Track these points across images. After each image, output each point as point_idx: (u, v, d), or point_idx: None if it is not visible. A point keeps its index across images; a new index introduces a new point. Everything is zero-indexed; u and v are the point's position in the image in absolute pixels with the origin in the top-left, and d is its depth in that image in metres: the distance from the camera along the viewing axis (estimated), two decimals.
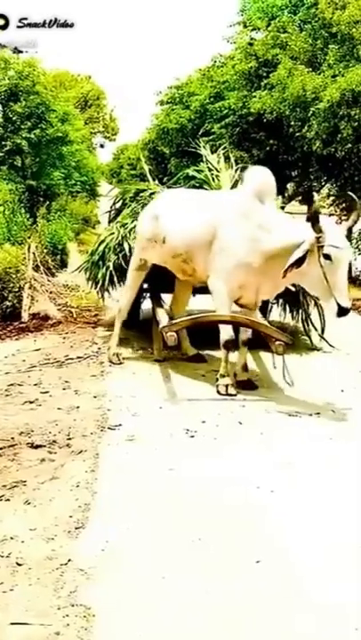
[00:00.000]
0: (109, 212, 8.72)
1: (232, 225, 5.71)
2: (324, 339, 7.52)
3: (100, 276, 7.36)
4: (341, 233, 5.35)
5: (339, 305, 5.11)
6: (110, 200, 8.92)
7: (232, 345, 5.91)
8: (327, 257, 5.10)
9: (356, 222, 5.70)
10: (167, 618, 2.80)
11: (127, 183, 12.89)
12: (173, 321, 5.99)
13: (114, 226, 7.69)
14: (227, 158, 8.15)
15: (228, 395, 5.74)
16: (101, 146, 46.99)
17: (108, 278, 7.30)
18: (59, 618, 2.76)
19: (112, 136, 48.34)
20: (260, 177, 5.78)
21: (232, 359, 6.01)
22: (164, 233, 6.25)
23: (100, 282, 7.37)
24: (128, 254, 7.14)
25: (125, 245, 7.18)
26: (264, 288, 5.83)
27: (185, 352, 6.86)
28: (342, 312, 5.15)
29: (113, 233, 7.47)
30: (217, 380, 5.89)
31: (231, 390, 5.77)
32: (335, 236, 5.17)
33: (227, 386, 5.81)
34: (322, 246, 5.10)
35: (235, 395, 5.75)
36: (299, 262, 5.19)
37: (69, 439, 4.63)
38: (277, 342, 5.71)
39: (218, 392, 5.79)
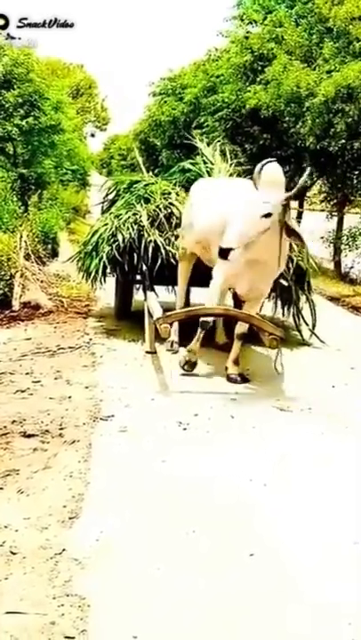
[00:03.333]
0: (102, 202, 8.70)
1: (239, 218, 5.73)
2: (314, 334, 7.57)
3: (92, 266, 7.33)
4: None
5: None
6: (103, 191, 8.90)
7: (207, 326, 6.09)
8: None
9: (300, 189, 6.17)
10: (162, 609, 2.81)
11: (120, 174, 12.87)
12: (168, 313, 6.01)
13: (107, 217, 7.66)
14: (222, 152, 8.16)
15: (183, 369, 6.08)
16: (92, 135, 46.66)
17: (101, 269, 7.27)
18: (54, 607, 2.75)
19: (103, 126, 48.04)
20: (265, 172, 5.76)
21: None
22: (192, 219, 6.62)
23: (93, 272, 7.35)
24: (122, 245, 7.14)
25: (119, 236, 7.16)
26: (259, 280, 5.88)
27: (217, 341, 7.02)
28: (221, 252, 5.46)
29: (107, 224, 7.44)
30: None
31: (188, 368, 6.06)
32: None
33: (188, 361, 6.09)
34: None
35: (190, 371, 6.05)
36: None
37: (62, 429, 4.62)
38: (271, 336, 5.74)
39: (179, 362, 6.14)
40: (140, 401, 5.30)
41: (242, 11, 16.96)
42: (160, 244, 7.16)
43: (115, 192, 8.40)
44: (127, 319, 7.95)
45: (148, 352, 6.67)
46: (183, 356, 6.18)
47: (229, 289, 6.49)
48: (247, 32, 15.93)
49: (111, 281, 8.00)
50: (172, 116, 22.04)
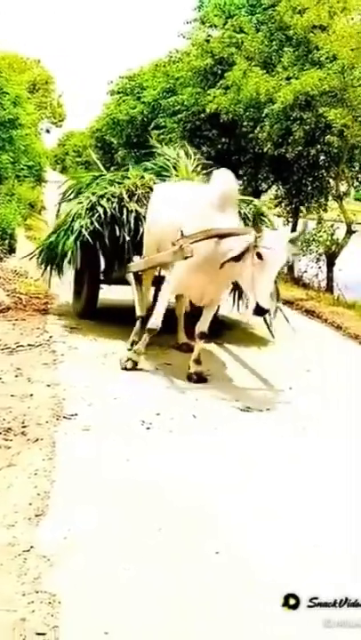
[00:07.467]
0: (62, 200, 8.65)
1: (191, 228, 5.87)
2: (269, 329, 7.67)
3: (68, 245, 7.25)
4: (278, 237, 5.78)
5: (257, 304, 5.43)
6: (62, 188, 8.84)
7: (154, 332, 6.11)
8: (259, 256, 5.42)
9: (301, 234, 6.75)
10: (132, 604, 2.85)
11: (75, 171, 12.84)
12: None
13: (82, 197, 7.62)
14: (186, 154, 8.24)
15: (125, 366, 6.17)
16: (47, 131, 46.08)
17: (78, 247, 7.20)
18: (24, 604, 2.76)
19: (59, 122, 47.54)
20: (223, 184, 5.96)
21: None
22: (149, 223, 6.72)
23: (69, 253, 7.25)
24: (102, 216, 7.12)
25: (99, 209, 7.12)
26: (210, 288, 6.02)
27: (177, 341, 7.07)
28: (259, 311, 5.51)
29: (81, 202, 7.41)
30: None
31: (130, 366, 6.17)
32: (271, 239, 5.51)
33: (129, 359, 6.20)
34: (257, 246, 5.42)
35: (131, 369, 6.14)
36: (237, 258, 5.54)
37: (24, 427, 4.60)
38: None
39: (120, 360, 6.27)
40: (103, 400, 5.31)
41: (203, 14, 17.10)
42: (141, 216, 7.17)
43: (76, 191, 8.32)
44: (89, 318, 7.90)
45: (139, 317, 6.69)
46: (127, 354, 6.26)
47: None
48: (208, 35, 16.06)
49: (68, 281, 7.99)
50: (131, 115, 22.07)
